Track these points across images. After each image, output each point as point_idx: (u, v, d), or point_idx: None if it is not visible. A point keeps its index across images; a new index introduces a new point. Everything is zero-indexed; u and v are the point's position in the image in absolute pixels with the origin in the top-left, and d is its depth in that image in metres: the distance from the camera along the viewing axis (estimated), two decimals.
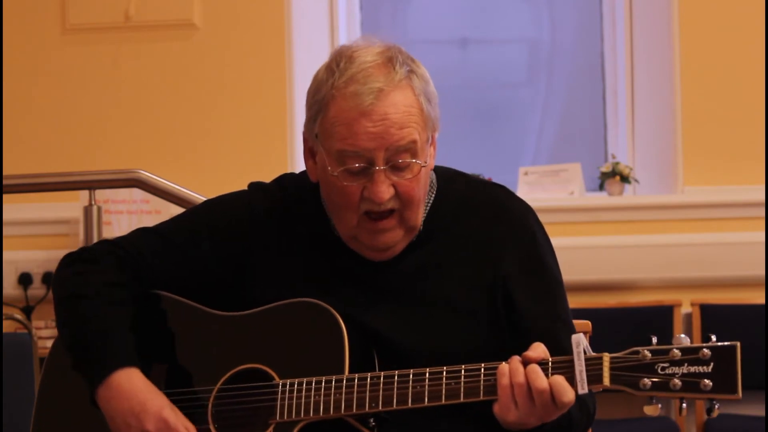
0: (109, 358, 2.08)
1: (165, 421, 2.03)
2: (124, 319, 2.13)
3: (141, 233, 2.23)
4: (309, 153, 2.14)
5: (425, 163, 2.07)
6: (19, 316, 4.25)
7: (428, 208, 2.15)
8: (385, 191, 2.04)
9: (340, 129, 2.03)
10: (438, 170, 2.20)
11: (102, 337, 2.10)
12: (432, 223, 2.14)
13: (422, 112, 2.06)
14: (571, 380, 1.89)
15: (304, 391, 2.02)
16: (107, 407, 2.07)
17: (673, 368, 1.84)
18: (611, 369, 1.87)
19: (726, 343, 1.83)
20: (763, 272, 4.99)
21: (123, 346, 2.10)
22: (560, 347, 1.97)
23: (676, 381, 1.84)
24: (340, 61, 2.06)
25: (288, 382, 2.04)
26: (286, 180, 2.25)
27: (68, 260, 2.21)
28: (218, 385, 2.11)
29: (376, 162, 2.03)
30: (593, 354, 1.90)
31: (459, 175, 2.22)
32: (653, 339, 1.89)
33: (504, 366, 1.93)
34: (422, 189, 2.09)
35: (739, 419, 4.81)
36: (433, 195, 2.17)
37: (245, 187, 2.27)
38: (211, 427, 2.08)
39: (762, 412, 4.78)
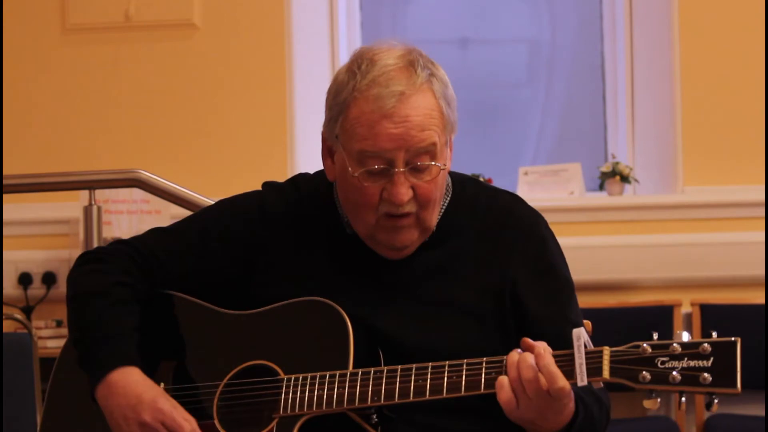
0: (108, 358, 2.11)
1: (160, 410, 2.06)
2: (129, 319, 2.16)
3: (154, 233, 2.26)
4: (327, 152, 2.16)
5: (444, 165, 2.09)
6: (19, 316, 4.26)
7: (443, 210, 2.17)
8: (404, 193, 2.05)
9: (361, 130, 2.05)
10: (452, 175, 2.22)
11: (104, 337, 2.12)
12: (445, 226, 2.16)
13: (442, 115, 2.08)
14: (571, 373, 1.89)
15: (308, 386, 2.04)
16: (105, 405, 2.09)
17: (673, 362, 1.85)
18: (611, 362, 1.88)
19: (726, 339, 1.84)
20: (763, 272, 4.98)
21: (124, 346, 2.12)
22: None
23: (676, 375, 1.84)
24: (361, 63, 2.07)
25: (292, 377, 2.06)
26: (300, 180, 2.27)
27: (83, 260, 2.25)
28: (224, 381, 2.12)
29: (396, 163, 2.04)
30: (594, 348, 1.91)
31: (472, 181, 2.25)
32: (654, 334, 1.90)
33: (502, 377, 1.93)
34: (439, 191, 2.11)
35: (739, 419, 4.80)
36: (448, 198, 2.19)
37: (245, 187, 2.29)
38: (216, 422, 2.10)
39: (762, 412, 4.77)
